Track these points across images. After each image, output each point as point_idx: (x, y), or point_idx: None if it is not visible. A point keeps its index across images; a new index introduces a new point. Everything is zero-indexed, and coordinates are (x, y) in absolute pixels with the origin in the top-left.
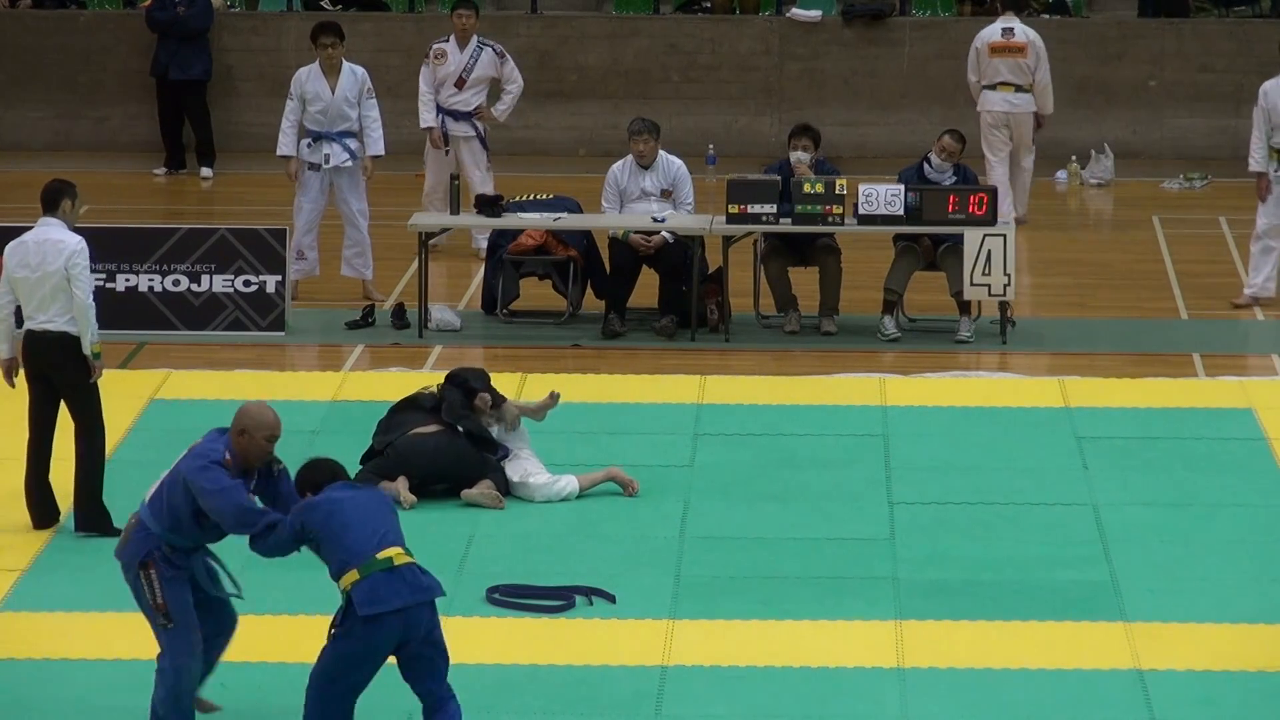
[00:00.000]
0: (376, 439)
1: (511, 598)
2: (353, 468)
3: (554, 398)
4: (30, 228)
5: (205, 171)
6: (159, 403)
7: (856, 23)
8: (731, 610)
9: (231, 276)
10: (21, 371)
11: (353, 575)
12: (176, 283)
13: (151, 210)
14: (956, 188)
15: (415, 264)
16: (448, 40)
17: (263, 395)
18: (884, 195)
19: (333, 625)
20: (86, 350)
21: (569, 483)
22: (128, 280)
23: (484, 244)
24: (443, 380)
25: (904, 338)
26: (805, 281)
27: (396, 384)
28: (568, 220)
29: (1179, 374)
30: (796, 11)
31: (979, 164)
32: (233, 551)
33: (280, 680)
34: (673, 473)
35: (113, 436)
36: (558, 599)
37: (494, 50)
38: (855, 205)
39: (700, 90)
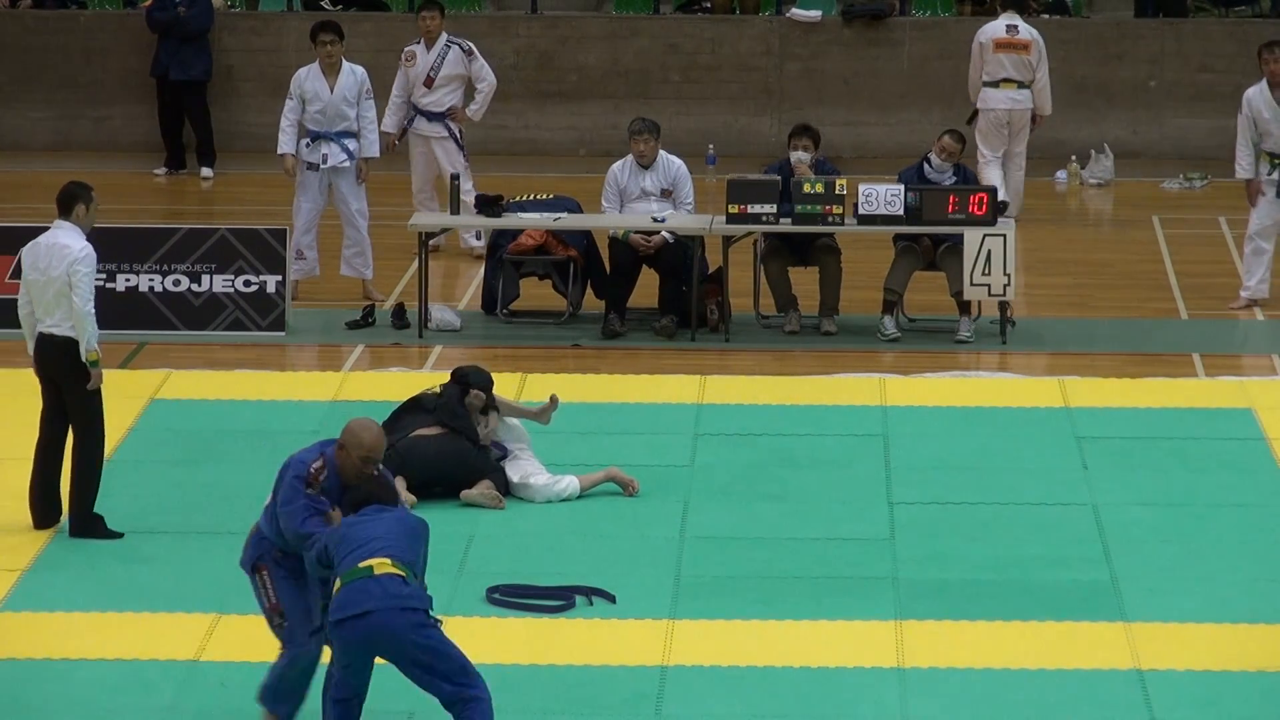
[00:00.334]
0: None
1: (511, 598)
2: None
3: (554, 401)
4: (46, 228)
5: (205, 172)
6: (159, 403)
7: (856, 23)
8: (731, 610)
9: (232, 276)
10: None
11: (337, 584)
12: (177, 283)
13: (152, 210)
14: (956, 188)
15: (415, 264)
16: (419, 42)
17: (262, 395)
18: (884, 195)
19: None
20: (84, 357)
21: (569, 483)
22: (128, 280)
23: (473, 241)
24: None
25: (904, 338)
26: (805, 281)
27: (396, 384)
28: (568, 220)
29: (1179, 374)
30: (796, 11)
31: (972, 162)
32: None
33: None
34: (673, 473)
35: (113, 436)
36: (558, 599)
37: (461, 48)
38: (855, 205)
39: (700, 90)
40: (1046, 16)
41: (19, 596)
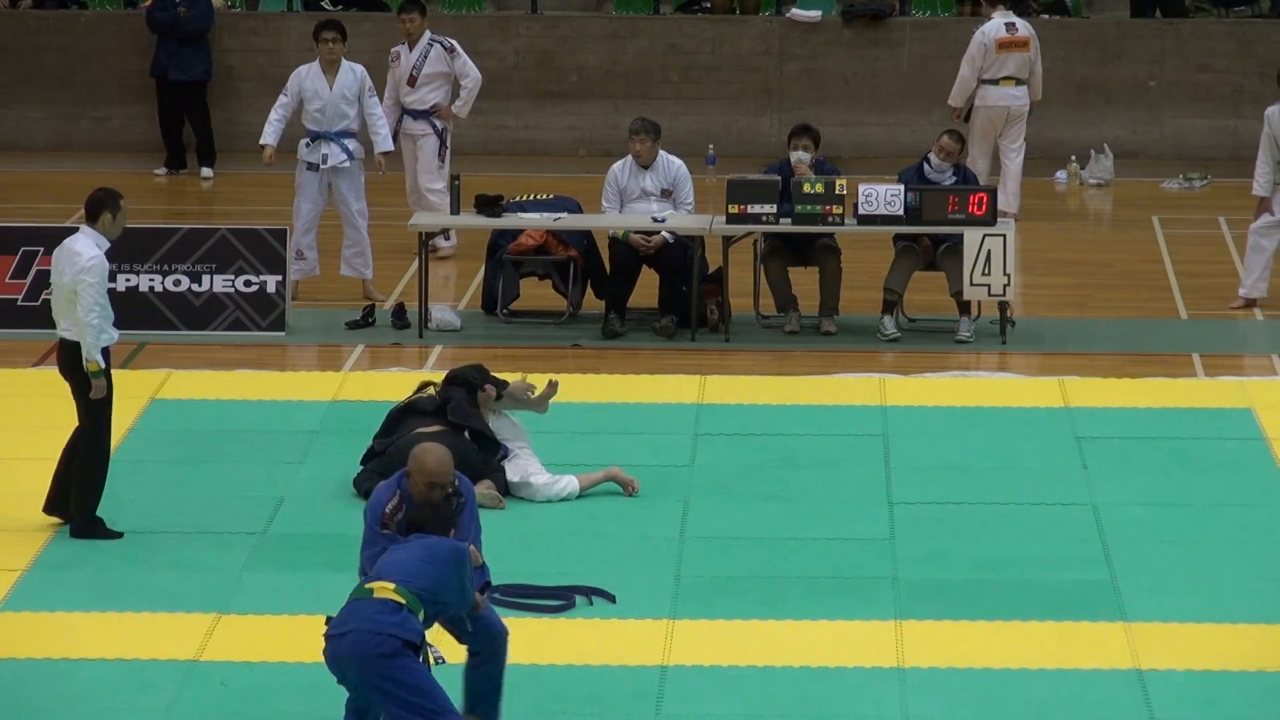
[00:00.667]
0: (378, 441)
1: (511, 598)
2: (355, 467)
3: (553, 386)
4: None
5: (205, 172)
6: (159, 403)
7: (856, 23)
8: (731, 610)
9: (232, 276)
10: None
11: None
12: (177, 283)
13: (152, 210)
14: (956, 188)
15: (415, 264)
16: (403, 43)
17: (262, 395)
18: (884, 195)
19: None
20: (84, 367)
21: (569, 483)
22: (128, 280)
23: (441, 242)
24: (440, 383)
25: (904, 338)
26: (805, 281)
27: (396, 384)
28: (568, 220)
29: (1178, 374)
30: (796, 11)
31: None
32: (235, 552)
33: (280, 680)
34: (673, 473)
35: (113, 436)
36: (558, 599)
37: (443, 46)
38: (855, 205)
39: (700, 90)
40: (1046, 16)
41: (19, 596)
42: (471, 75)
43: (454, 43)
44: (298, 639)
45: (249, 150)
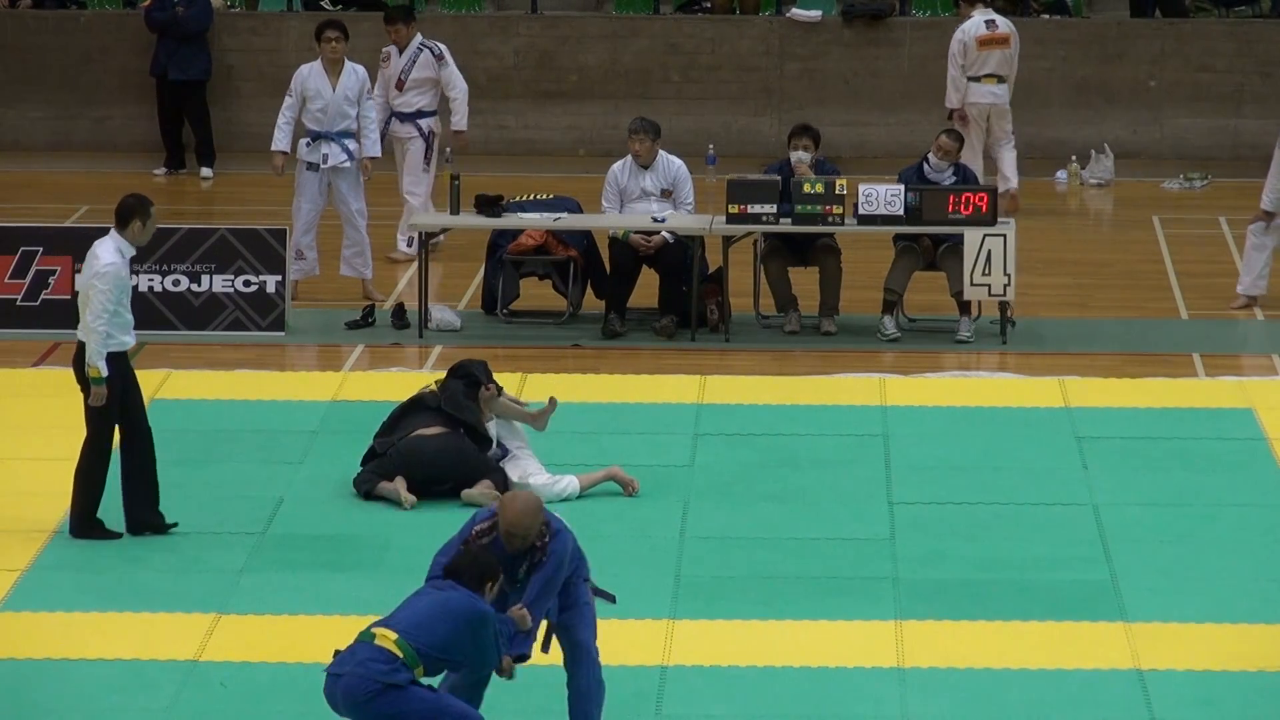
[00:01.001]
0: (378, 440)
1: None
2: (355, 466)
3: (553, 404)
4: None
5: (205, 172)
6: (159, 403)
7: (856, 23)
8: (731, 610)
9: (231, 276)
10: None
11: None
12: (176, 283)
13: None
14: (956, 187)
15: (415, 264)
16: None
17: (262, 395)
18: (884, 195)
19: None
20: (86, 371)
21: (569, 483)
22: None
23: (404, 245)
24: (444, 375)
25: (904, 338)
26: (805, 281)
27: (396, 384)
28: (568, 220)
29: (1179, 374)
30: (796, 11)
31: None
32: (234, 552)
33: (280, 680)
34: (673, 473)
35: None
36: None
37: (433, 52)
38: (855, 205)
39: (700, 90)
40: (1046, 16)
41: (19, 596)
42: (458, 86)
43: (444, 49)
44: (298, 639)
45: (248, 150)
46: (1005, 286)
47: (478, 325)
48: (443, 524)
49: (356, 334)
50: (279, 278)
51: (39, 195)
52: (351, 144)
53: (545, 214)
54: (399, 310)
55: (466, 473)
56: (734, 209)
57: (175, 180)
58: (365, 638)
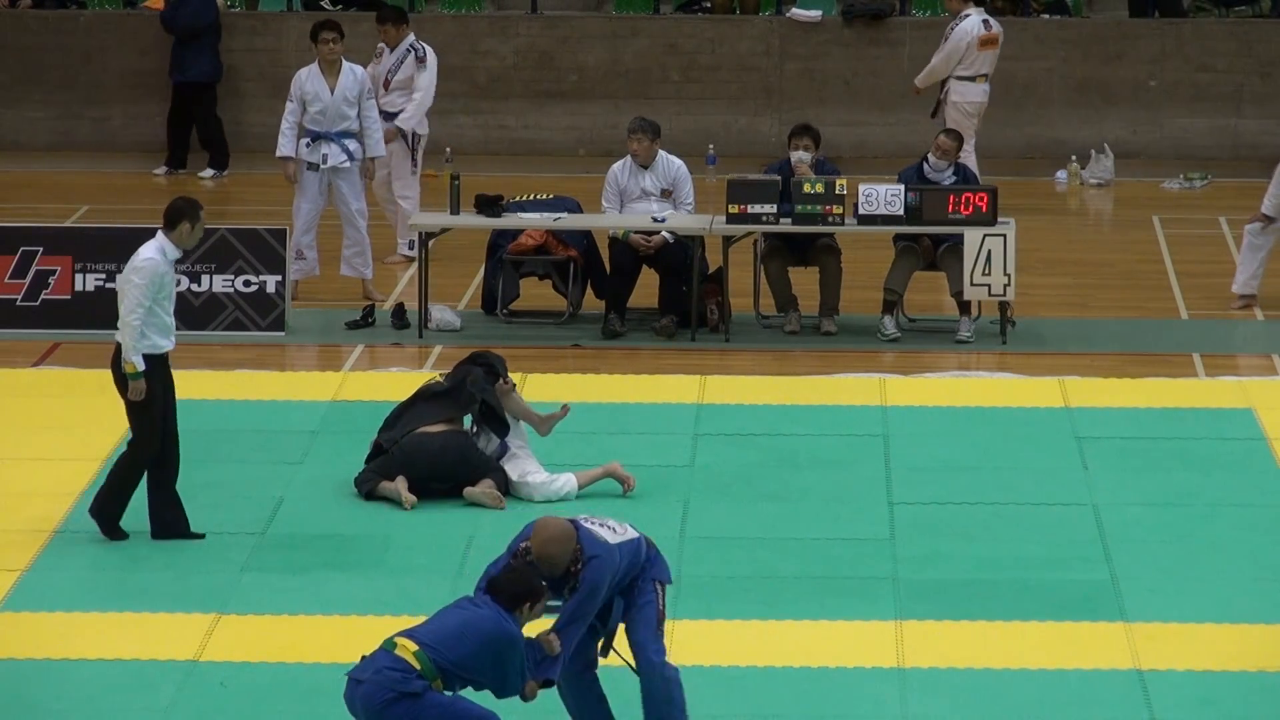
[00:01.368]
0: (382, 435)
1: None
2: (355, 466)
3: (565, 411)
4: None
5: (206, 172)
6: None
7: (856, 23)
8: (731, 610)
9: (231, 276)
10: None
11: None
12: (177, 283)
13: (152, 210)
14: (956, 187)
15: (415, 264)
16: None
17: (262, 395)
18: (884, 195)
19: None
20: (123, 367)
21: (567, 481)
22: None
23: (406, 249)
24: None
25: (904, 338)
26: (805, 281)
27: (396, 384)
28: (568, 220)
29: (1179, 374)
30: (796, 11)
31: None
32: (235, 552)
33: (280, 680)
34: (673, 473)
35: (113, 436)
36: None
37: (416, 55)
38: (855, 205)
39: (700, 90)
40: (1046, 16)
41: (19, 596)
42: (422, 88)
43: (428, 51)
44: (298, 639)
45: (249, 150)
46: (1005, 286)
47: (478, 325)
48: (443, 524)
49: (356, 334)
50: (279, 278)
51: (39, 195)
52: (351, 144)
53: (545, 214)
54: (399, 310)
55: (468, 471)
56: (734, 209)
57: (176, 180)
58: (387, 646)
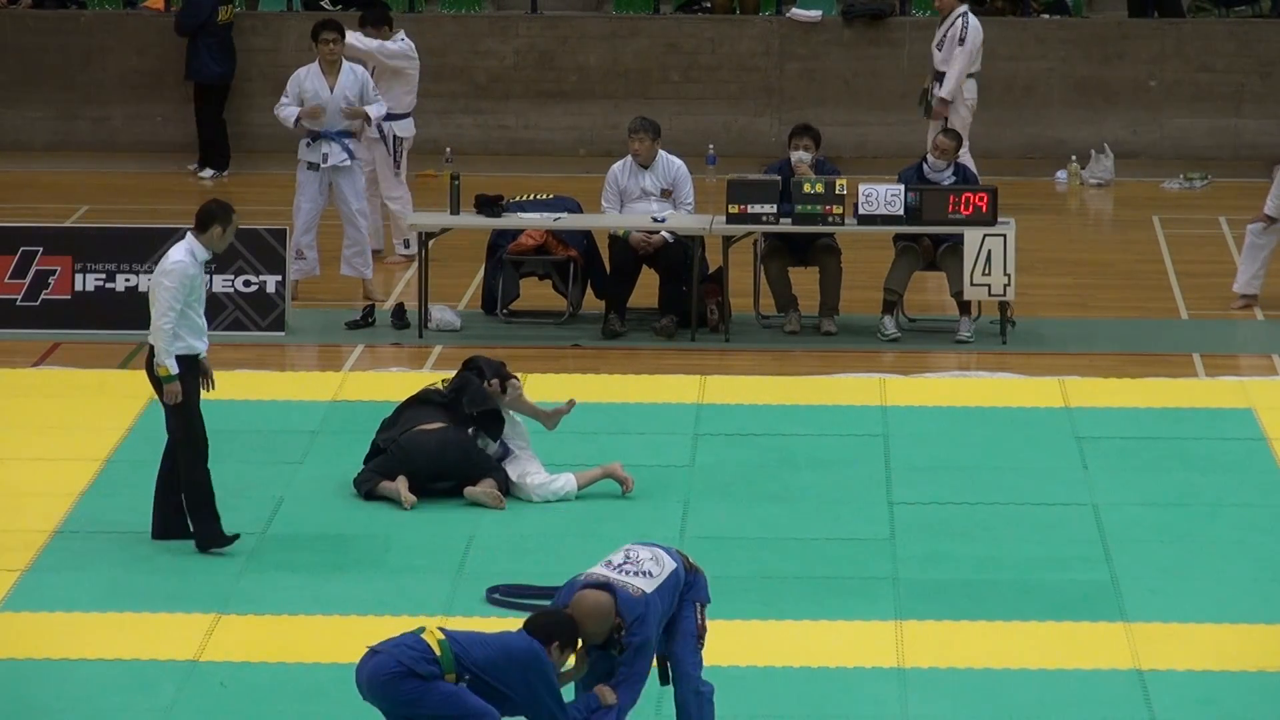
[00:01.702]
0: (380, 435)
1: (511, 598)
2: (355, 466)
3: (570, 405)
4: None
5: (206, 172)
6: (159, 403)
7: (856, 23)
8: (731, 610)
9: (231, 276)
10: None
11: None
12: None
13: (152, 210)
14: (956, 187)
15: (415, 264)
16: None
17: (262, 395)
18: (884, 195)
19: None
20: (155, 370)
21: (566, 481)
22: (128, 280)
23: (403, 249)
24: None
25: (904, 338)
26: (805, 281)
27: (396, 384)
28: (568, 220)
29: (1179, 374)
30: (796, 11)
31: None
32: (235, 552)
33: (280, 680)
34: (673, 473)
35: (113, 436)
36: None
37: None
38: (855, 205)
39: (700, 90)
40: (1046, 16)
41: (19, 596)
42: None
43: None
44: (298, 639)
45: (249, 150)
46: (1005, 286)
47: (478, 325)
48: (443, 524)
49: (356, 334)
50: (279, 278)
51: (39, 195)
52: (352, 143)
53: (545, 214)
54: (399, 310)
55: (468, 470)
56: (734, 209)
57: (176, 180)
58: (416, 630)
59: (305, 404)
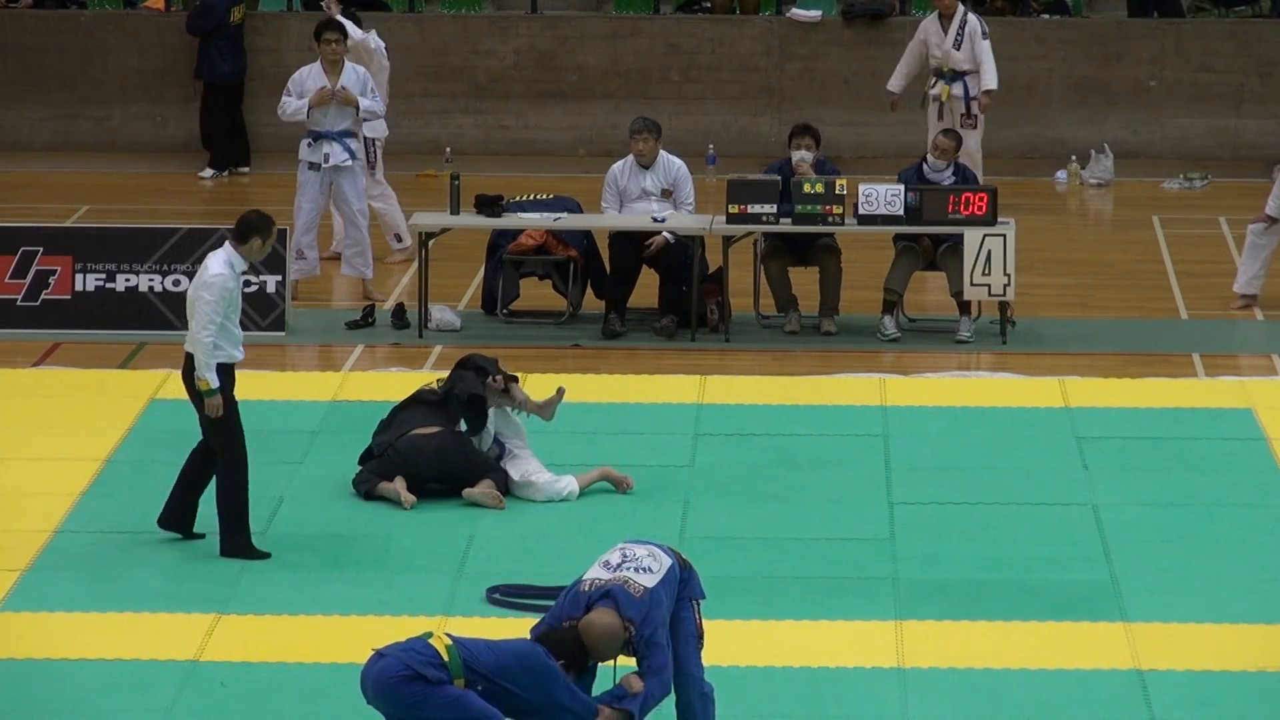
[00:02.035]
0: (376, 439)
1: (511, 598)
2: (354, 466)
3: (560, 393)
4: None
5: (206, 172)
6: (159, 403)
7: (856, 23)
8: (731, 610)
9: None
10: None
11: None
12: (177, 283)
13: (152, 210)
14: (956, 187)
15: (415, 264)
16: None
17: (262, 395)
18: (884, 195)
19: None
20: (196, 384)
21: (569, 483)
22: (128, 280)
23: (396, 244)
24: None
25: (904, 338)
26: (805, 281)
27: (396, 384)
28: (568, 220)
29: (1179, 374)
30: (796, 11)
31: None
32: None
33: (280, 680)
34: (673, 473)
35: (113, 436)
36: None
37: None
38: (855, 205)
39: (700, 90)
40: (1046, 16)
41: (19, 596)
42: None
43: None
44: (298, 639)
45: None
46: (1005, 286)
47: (478, 325)
48: (443, 524)
49: (356, 334)
50: (279, 278)
51: (39, 195)
52: (353, 143)
53: (545, 214)
54: (399, 310)
55: (466, 471)
56: (734, 209)
57: (177, 180)
58: (424, 635)
59: (305, 404)
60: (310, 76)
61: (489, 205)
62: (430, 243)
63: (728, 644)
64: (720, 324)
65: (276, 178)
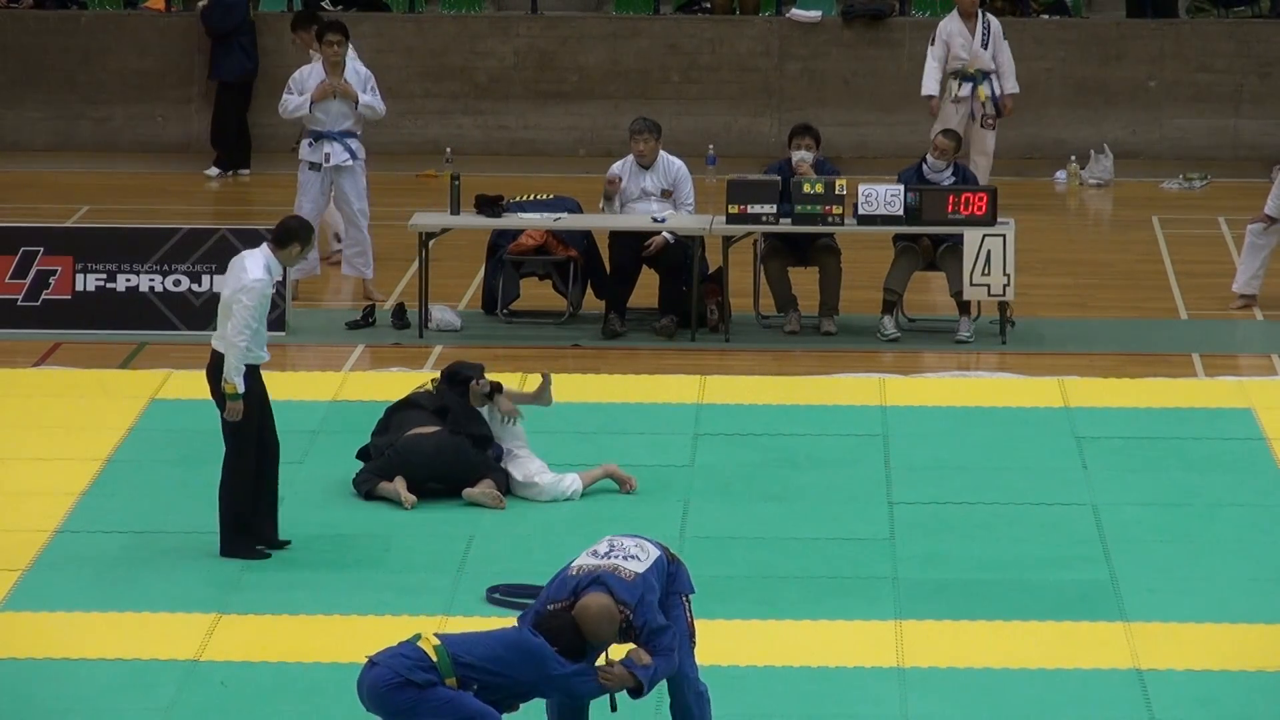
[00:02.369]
0: (374, 440)
1: (511, 598)
2: (355, 466)
3: (546, 377)
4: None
5: (211, 170)
6: (159, 403)
7: (856, 23)
8: (731, 610)
9: None
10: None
11: None
12: (177, 283)
13: (153, 210)
14: (956, 187)
15: (415, 264)
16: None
17: None
18: (884, 195)
19: None
20: (223, 386)
21: (573, 481)
22: (128, 280)
23: (335, 245)
24: (438, 379)
25: (904, 338)
26: (805, 281)
27: (396, 384)
28: (568, 220)
29: (1179, 374)
30: (796, 12)
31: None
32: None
33: (280, 680)
34: (673, 473)
35: (113, 436)
36: None
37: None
38: (855, 205)
39: (700, 90)
40: (1046, 16)
41: (19, 596)
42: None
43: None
44: (298, 639)
45: (250, 150)
46: (1005, 286)
47: (478, 325)
48: (443, 524)
49: (356, 334)
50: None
51: (39, 195)
52: (354, 143)
53: (545, 214)
54: (399, 310)
55: (466, 471)
56: (734, 209)
57: (178, 180)
58: (412, 639)
59: (305, 404)
60: (312, 75)
61: (489, 205)
62: (430, 243)
63: (727, 644)
64: (720, 324)
65: (277, 178)
